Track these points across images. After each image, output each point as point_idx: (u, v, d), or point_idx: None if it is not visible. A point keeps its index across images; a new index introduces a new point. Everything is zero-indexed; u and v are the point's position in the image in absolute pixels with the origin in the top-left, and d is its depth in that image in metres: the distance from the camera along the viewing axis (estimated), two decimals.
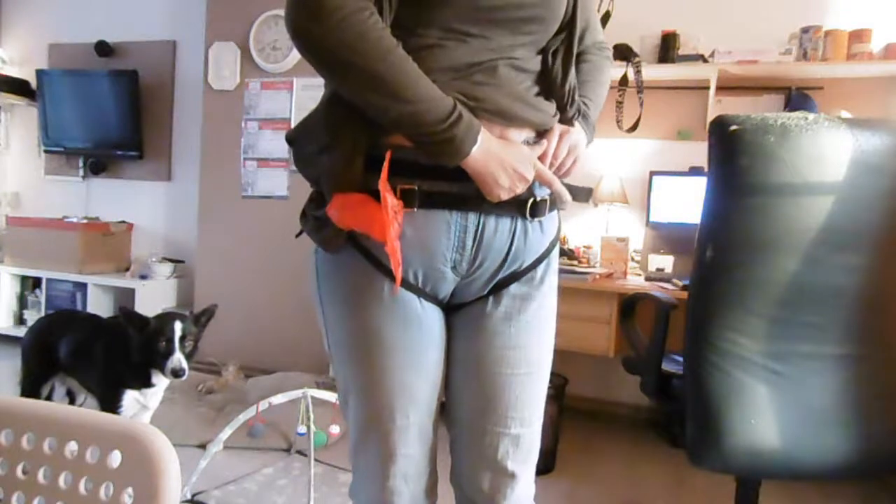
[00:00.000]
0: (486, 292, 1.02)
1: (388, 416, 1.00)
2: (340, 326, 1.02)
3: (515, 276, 1.02)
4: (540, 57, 0.99)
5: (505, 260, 1.00)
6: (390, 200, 0.89)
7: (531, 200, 0.98)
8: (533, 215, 0.99)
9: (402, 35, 0.89)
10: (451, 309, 1.05)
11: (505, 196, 0.93)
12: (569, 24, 0.99)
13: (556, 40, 0.99)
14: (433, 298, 1.01)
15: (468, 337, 1.04)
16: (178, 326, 1.89)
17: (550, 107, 1.01)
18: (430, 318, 1.01)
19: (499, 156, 0.91)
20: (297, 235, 1.10)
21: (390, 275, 0.94)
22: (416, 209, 0.93)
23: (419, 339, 0.99)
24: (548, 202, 1.02)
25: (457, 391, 1.07)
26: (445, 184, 0.93)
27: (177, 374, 1.86)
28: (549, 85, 1.01)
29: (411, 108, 0.86)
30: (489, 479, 1.05)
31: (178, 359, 1.87)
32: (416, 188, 0.92)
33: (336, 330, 1.03)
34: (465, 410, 1.06)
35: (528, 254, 1.02)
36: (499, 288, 1.02)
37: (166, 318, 1.91)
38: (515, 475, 1.04)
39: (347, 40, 0.83)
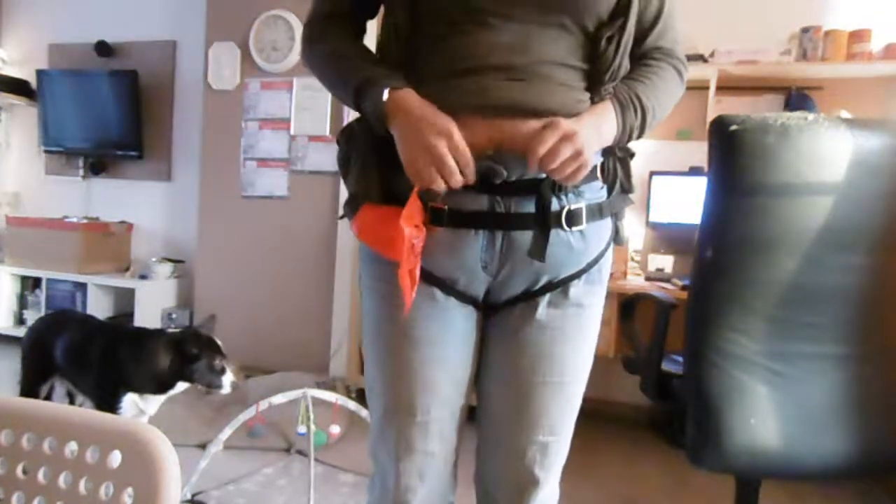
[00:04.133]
0: (520, 293, 1.00)
1: (408, 409, 1.00)
2: (371, 316, 1.04)
3: (552, 286, 0.99)
4: (583, 50, 0.93)
5: (538, 266, 0.96)
6: (407, 232, 0.89)
7: (565, 210, 0.94)
8: (570, 224, 0.95)
9: (423, 24, 0.92)
10: (489, 311, 1.04)
11: (425, 185, 0.88)
12: (625, 10, 0.93)
13: (611, 26, 0.93)
14: (465, 296, 1.01)
15: (503, 341, 1.03)
16: (219, 343, 2.00)
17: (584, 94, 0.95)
18: (460, 316, 1.01)
19: (413, 131, 0.87)
20: (340, 218, 1.13)
21: (422, 271, 0.95)
22: (442, 227, 0.94)
23: (445, 334, 1.00)
24: (590, 210, 0.97)
25: (488, 394, 1.06)
26: (473, 198, 0.93)
27: (236, 386, 2.00)
28: (594, 75, 0.94)
29: (342, 94, 0.98)
30: (515, 482, 1.05)
31: (231, 371, 2.01)
32: (446, 208, 0.93)
33: (367, 319, 1.05)
34: (494, 414, 1.06)
35: (568, 264, 0.98)
36: (536, 294, 1.00)
37: (205, 338, 1.98)
38: (540, 481, 1.04)
39: (315, 65, 1.02)
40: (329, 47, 1.00)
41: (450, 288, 0.99)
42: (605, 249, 1.03)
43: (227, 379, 1.98)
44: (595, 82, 0.94)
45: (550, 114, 0.89)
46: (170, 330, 2.04)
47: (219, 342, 1.99)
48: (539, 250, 0.92)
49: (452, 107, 0.90)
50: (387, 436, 1.03)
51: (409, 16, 0.93)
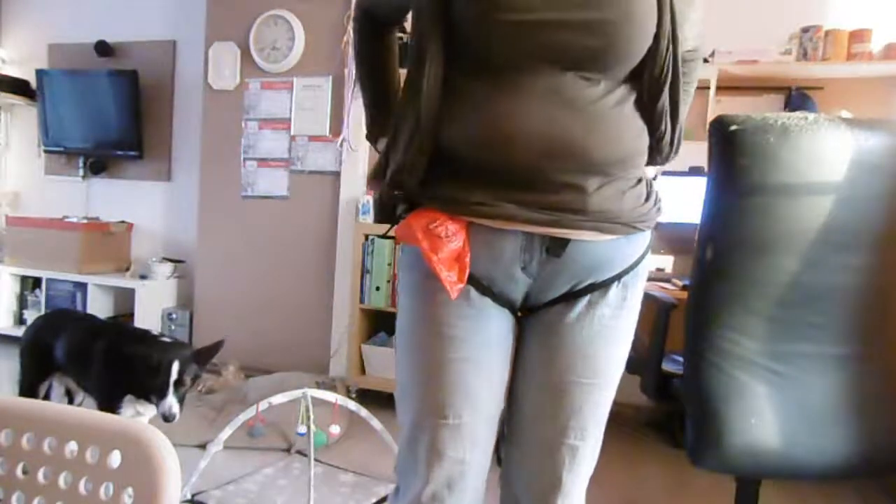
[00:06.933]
0: (560, 295, 1.00)
1: (440, 411, 0.98)
2: (405, 316, 1.03)
3: (594, 286, 0.99)
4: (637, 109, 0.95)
5: (580, 269, 0.97)
6: (416, 219, 0.96)
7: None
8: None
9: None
10: (527, 313, 1.04)
11: None
12: (671, 45, 0.93)
13: (659, 75, 0.93)
14: (503, 301, 1.01)
15: (539, 340, 1.03)
16: (175, 368, 1.80)
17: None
18: (496, 317, 1.01)
19: None
20: (385, 234, 1.16)
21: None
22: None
23: (480, 335, 0.99)
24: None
25: (520, 394, 1.05)
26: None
27: (167, 419, 1.80)
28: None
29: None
30: (542, 485, 1.03)
31: (169, 404, 1.79)
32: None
33: (401, 320, 1.04)
34: (526, 414, 1.05)
35: (611, 266, 0.99)
36: (576, 295, 1.00)
37: (167, 355, 1.82)
38: (567, 486, 1.03)
39: (356, 66, 1.22)
40: (361, 63, 1.18)
41: (486, 288, 0.99)
42: (645, 253, 1.04)
43: (161, 409, 1.79)
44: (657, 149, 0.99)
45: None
46: (161, 338, 1.95)
47: (176, 368, 1.80)
48: (558, 247, 0.94)
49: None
50: (417, 441, 1.00)
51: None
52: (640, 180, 0.99)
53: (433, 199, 0.95)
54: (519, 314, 1.05)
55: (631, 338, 1.05)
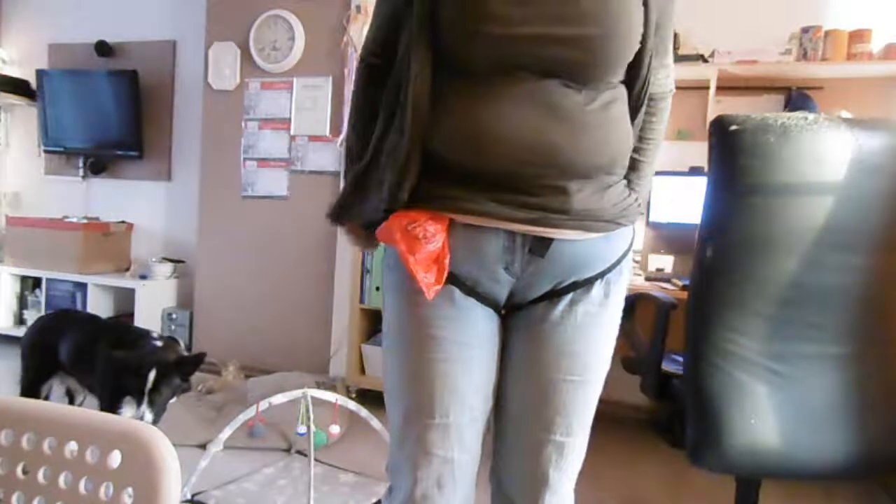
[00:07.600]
0: (543, 293, 1.01)
1: (427, 410, 0.99)
2: (392, 316, 1.05)
3: (577, 284, 1.00)
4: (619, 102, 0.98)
5: (563, 268, 0.98)
6: (422, 276, 0.94)
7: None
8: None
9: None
10: (511, 311, 1.05)
11: None
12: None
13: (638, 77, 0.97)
14: (487, 300, 1.01)
15: (524, 339, 1.04)
16: (151, 376, 1.79)
17: None
18: (481, 317, 1.01)
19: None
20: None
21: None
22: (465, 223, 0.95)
23: (466, 335, 1.00)
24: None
25: (507, 392, 1.06)
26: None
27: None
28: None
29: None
30: (530, 482, 1.04)
31: (141, 412, 1.79)
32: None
33: (388, 320, 1.06)
34: (513, 411, 1.06)
35: (593, 264, 1.00)
36: (559, 293, 1.01)
37: (146, 361, 1.81)
38: (554, 483, 1.04)
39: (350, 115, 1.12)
40: (356, 116, 1.11)
41: (470, 289, 0.99)
42: (627, 251, 1.05)
43: (136, 415, 1.78)
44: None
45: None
46: (155, 341, 1.95)
47: (152, 377, 1.80)
48: (542, 247, 0.95)
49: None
50: (406, 442, 1.01)
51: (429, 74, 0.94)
52: (621, 177, 1.01)
53: (416, 200, 0.96)
54: (503, 312, 1.06)
55: (615, 334, 1.06)
